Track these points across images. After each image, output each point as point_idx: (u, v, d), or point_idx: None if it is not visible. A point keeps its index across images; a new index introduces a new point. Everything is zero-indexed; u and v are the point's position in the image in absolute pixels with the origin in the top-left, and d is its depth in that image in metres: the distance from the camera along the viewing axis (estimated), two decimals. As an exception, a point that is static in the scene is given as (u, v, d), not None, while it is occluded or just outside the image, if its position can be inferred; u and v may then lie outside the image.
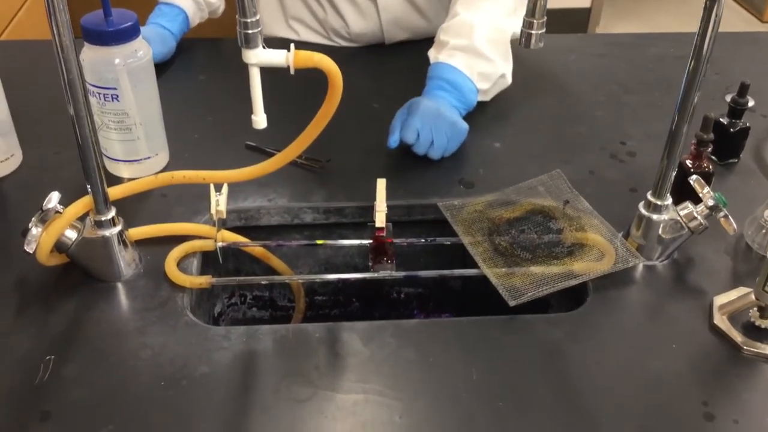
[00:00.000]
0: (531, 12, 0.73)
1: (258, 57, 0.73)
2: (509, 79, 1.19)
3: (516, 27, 1.18)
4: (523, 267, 0.88)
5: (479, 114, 1.17)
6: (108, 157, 1.02)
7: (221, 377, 0.76)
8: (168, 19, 1.28)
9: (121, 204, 0.87)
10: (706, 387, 0.77)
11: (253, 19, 0.71)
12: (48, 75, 1.21)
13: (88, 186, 0.81)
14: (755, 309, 0.83)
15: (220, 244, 0.91)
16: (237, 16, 0.70)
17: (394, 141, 1.05)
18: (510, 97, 1.22)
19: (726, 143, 1.07)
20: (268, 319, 1.12)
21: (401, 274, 0.91)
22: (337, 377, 0.77)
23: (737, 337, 0.81)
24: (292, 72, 0.74)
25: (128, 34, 0.94)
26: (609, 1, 3.63)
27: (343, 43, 1.41)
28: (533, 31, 0.75)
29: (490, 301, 0.87)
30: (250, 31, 0.71)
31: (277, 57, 0.74)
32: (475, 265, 0.89)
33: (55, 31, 0.72)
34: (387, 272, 0.89)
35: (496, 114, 1.20)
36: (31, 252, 0.81)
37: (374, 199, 0.91)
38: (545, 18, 0.74)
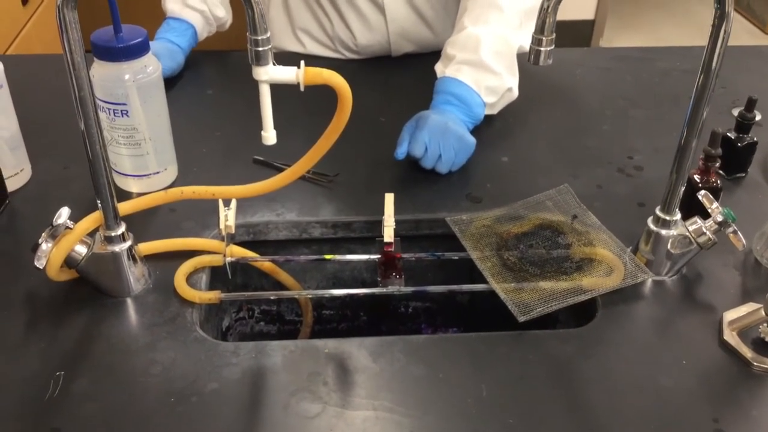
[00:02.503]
0: (540, 29, 0.74)
1: (268, 74, 0.74)
2: (516, 93, 1.19)
3: (522, 41, 1.18)
4: (532, 282, 0.88)
5: (486, 128, 1.18)
6: (117, 172, 1.02)
7: (231, 393, 0.76)
8: (177, 34, 1.29)
9: (131, 219, 0.87)
10: (716, 403, 0.77)
11: (264, 37, 0.71)
12: (55, 89, 1.23)
13: (98, 202, 0.81)
14: (765, 325, 0.83)
15: (228, 259, 0.91)
16: (248, 34, 0.71)
17: (401, 153, 1.06)
18: (517, 111, 1.22)
19: (734, 158, 1.07)
20: (275, 333, 1.12)
21: (410, 289, 0.91)
22: (346, 393, 0.77)
23: (747, 353, 0.81)
24: (302, 89, 0.75)
25: (138, 50, 0.94)
26: (613, 13, 3.64)
27: (350, 55, 1.41)
28: (542, 48, 0.75)
29: (497, 316, 0.87)
30: (260, 49, 0.71)
31: (287, 74, 0.74)
32: (482, 280, 0.89)
33: (66, 49, 0.72)
34: (396, 287, 0.89)
35: (503, 128, 1.20)
36: (41, 267, 0.81)
37: (382, 213, 0.91)
38: (554, 35, 0.74)
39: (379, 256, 0.91)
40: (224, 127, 1.20)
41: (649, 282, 0.90)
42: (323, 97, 0.82)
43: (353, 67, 1.38)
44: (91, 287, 0.87)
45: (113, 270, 0.85)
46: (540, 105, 1.28)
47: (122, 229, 0.84)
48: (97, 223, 0.83)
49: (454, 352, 0.82)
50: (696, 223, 0.87)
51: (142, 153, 1.00)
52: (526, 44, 1.16)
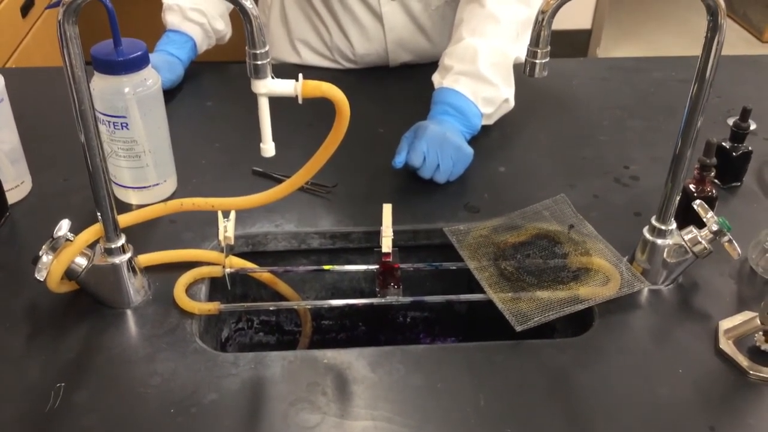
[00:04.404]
0: (535, 42, 0.75)
1: (267, 87, 0.74)
2: (512, 103, 1.20)
3: (519, 52, 1.19)
4: (529, 292, 0.89)
5: (484, 138, 1.18)
6: (117, 184, 1.03)
7: (230, 404, 0.77)
8: (176, 46, 1.30)
9: (130, 230, 0.88)
10: (713, 411, 0.78)
11: (263, 51, 0.72)
12: (56, 102, 1.23)
13: (99, 214, 0.82)
14: (761, 333, 0.83)
15: (228, 270, 0.92)
16: (247, 48, 0.71)
17: (399, 161, 1.07)
18: (514, 122, 1.23)
19: (729, 167, 1.08)
20: (274, 343, 1.13)
21: (408, 299, 0.91)
22: (345, 403, 0.77)
23: (743, 361, 0.82)
24: (300, 101, 0.76)
25: (138, 64, 0.95)
26: (610, 22, 3.66)
27: (348, 65, 1.42)
28: (537, 60, 0.76)
29: (495, 326, 0.87)
30: (259, 62, 0.72)
31: (286, 87, 0.75)
32: (480, 290, 0.90)
33: (67, 63, 0.73)
34: (394, 297, 0.90)
35: (500, 138, 1.21)
36: (41, 279, 0.81)
37: (380, 224, 0.92)
38: (549, 48, 0.75)
39: (377, 266, 0.92)
40: (223, 139, 1.21)
41: (645, 291, 0.91)
42: (322, 108, 0.82)
43: (351, 78, 1.39)
44: (91, 299, 0.88)
45: (113, 282, 0.86)
46: (537, 115, 1.28)
47: (122, 241, 0.85)
48: (97, 235, 0.84)
49: (453, 362, 0.82)
50: (691, 232, 0.88)
51: (142, 165, 1.01)
52: (522, 55, 1.17)
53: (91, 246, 0.85)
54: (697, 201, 0.89)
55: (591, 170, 1.14)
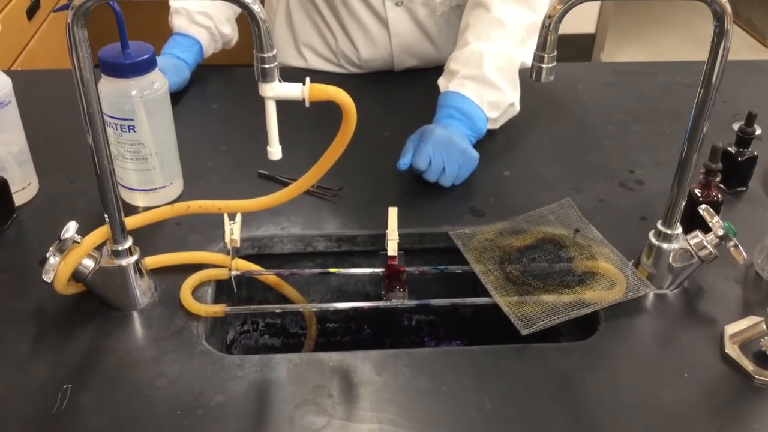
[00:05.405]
0: (542, 46, 0.75)
1: (274, 90, 0.75)
2: (518, 107, 1.20)
3: (524, 56, 1.20)
4: (535, 295, 0.89)
5: (489, 142, 1.19)
6: (123, 186, 1.03)
7: (236, 406, 0.77)
8: (183, 49, 1.30)
9: (137, 232, 0.88)
10: (718, 416, 0.78)
11: (270, 54, 0.72)
12: (63, 104, 1.24)
13: (106, 216, 0.82)
14: (766, 338, 0.83)
15: (234, 272, 0.92)
16: (254, 51, 0.72)
17: (404, 163, 1.07)
18: (519, 126, 1.23)
19: (734, 172, 1.08)
20: (279, 346, 1.13)
21: (413, 302, 0.91)
22: (351, 406, 0.77)
23: (748, 366, 0.82)
24: (307, 105, 0.76)
25: (145, 67, 0.95)
26: (614, 26, 3.66)
27: (353, 70, 1.43)
28: (544, 65, 0.76)
29: (500, 329, 0.87)
30: (267, 66, 0.72)
31: (293, 90, 0.75)
32: (485, 294, 0.90)
33: (76, 65, 0.73)
34: (399, 301, 0.90)
35: (505, 142, 1.21)
36: (48, 281, 0.82)
37: (386, 227, 0.92)
38: (555, 52, 0.75)
39: (382, 269, 0.92)
40: (229, 142, 1.21)
41: (650, 295, 0.91)
42: (328, 111, 0.82)
43: (356, 82, 1.39)
44: (97, 301, 0.88)
45: (120, 284, 0.86)
46: (542, 119, 1.29)
47: (129, 243, 0.85)
48: (104, 237, 0.84)
49: (458, 365, 0.83)
50: (697, 236, 0.88)
51: (149, 167, 1.01)
52: (528, 60, 1.17)
53: (98, 248, 0.86)
54: (703, 205, 0.89)
55: (596, 174, 1.14)
